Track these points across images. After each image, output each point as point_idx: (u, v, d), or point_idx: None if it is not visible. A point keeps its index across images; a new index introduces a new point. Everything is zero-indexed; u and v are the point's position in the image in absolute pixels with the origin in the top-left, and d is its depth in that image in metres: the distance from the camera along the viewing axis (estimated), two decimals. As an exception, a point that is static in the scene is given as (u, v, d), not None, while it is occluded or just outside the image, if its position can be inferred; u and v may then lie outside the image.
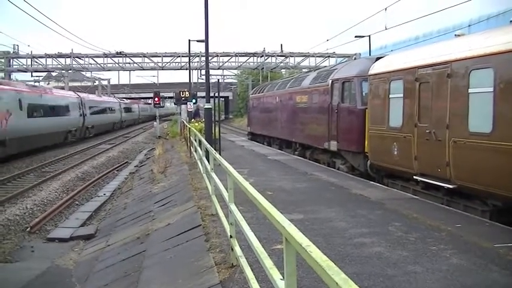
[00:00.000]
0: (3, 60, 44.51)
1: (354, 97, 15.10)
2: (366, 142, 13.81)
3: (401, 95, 11.72)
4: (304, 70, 41.94)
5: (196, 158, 15.15)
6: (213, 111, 18.42)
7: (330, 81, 16.82)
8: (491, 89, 8.42)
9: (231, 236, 5.77)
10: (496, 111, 8.31)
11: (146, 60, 47.23)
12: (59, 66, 47.65)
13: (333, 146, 16.17)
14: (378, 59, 14.41)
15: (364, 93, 14.61)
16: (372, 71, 13.52)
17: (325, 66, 36.97)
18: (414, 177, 11.11)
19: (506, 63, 8.15)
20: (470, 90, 9.09)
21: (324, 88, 17.43)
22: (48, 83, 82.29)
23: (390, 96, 12.33)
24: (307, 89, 19.59)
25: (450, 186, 9.68)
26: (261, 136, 29.31)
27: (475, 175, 8.93)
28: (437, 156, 10.01)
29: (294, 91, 21.64)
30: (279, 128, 24.21)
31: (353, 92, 15.22)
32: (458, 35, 11.05)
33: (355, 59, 42.04)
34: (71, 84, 63.39)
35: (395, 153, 11.88)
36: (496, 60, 8.35)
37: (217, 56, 46.68)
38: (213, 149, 9.27)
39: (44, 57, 45.78)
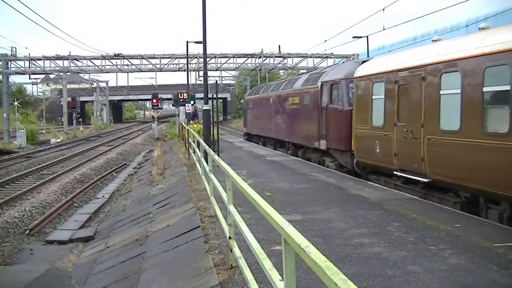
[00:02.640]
0: (0, 63, 44.42)
1: (341, 98, 15.92)
2: (352, 141, 14.56)
3: (383, 96, 12.52)
4: (302, 71, 41.89)
5: (195, 159, 15.14)
6: (211, 113, 18.41)
7: (320, 83, 17.57)
8: (459, 91, 9.27)
9: (230, 237, 5.77)
10: (462, 111, 9.17)
11: (144, 62, 47.12)
12: (56, 68, 47.50)
13: (323, 145, 16.93)
14: (363, 62, 15.22)
15: (350, 95, 15.34)
16: (356, 74, 14.36)
17: (323, 67, 37.03)
18: (394, 172, 11.94)
19: (471, 68, 9.01)
20: (441, 92, 9.97)
21: (314, 90, 18.17)
22: (48, 85, 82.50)
23: (373, 97, 13.14)
24: (299, 91, 20.41)
25: (426, 180, 10.54)
26: (257, 136, 30.12)
27: (447, 169, 9.80)
28: (414, 152, 10.87)
29: (287, 93, 22.41)
30: (273, 129, 25.06)
31: (340, 94, 16.03)
32: (435, 40, 11.70)
33: (352, 59, 42.10)
34: (69, 86, 63.45)
35: (378, 150, 12.69)
36: (462, 65, 9.24)
37: (215, 57, 46.59)
38: (211, 151, 9.28)
39: (41, 59, 45.66)
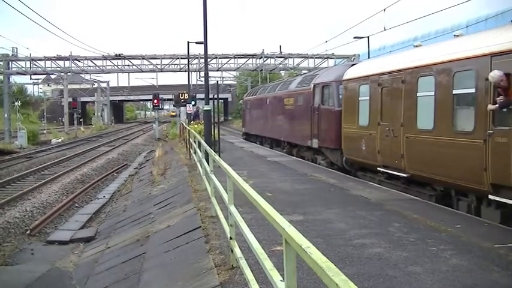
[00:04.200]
0: (2, 63, 44.43)
1: (332, 99, 16.81)
2: (342, 139, 15.39)
3: (368, 98, 13.42)
4: (303, 71, 41.89)
5: (196, 159, 15.15)
6: (212, 113, 18.42)
7: (312, 85, 18.54)
8: (433, 93, 10.21)
9: (230, 238, 5.77)
10: (436, 111, 10.09)
11: (145, 62, 47.10)
12: (57, 68, 47.49)
13: (315, 143, 17.86)
14: (352, 65, 16.29)
15: (340, 96, 16.12)
16: (345, 77, 15.28)
17: (324, 68, 37.06)
18: (378, 168, 12.83)
19: (443, 72, 9.95)
20: (418, 94, 10.92)
21: (307, 91, 19.12)
22: (49, 85, 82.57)
23: (359, 98, 14.06)
24: (294, 92, 21.40)
25: (405, 175, 11.45)
26: (254, 136, 31.04)
27: (423, 165, 10.75)
28: (394, 150, 11.85)
29: (282, 94, 23.38)
30: (270, 128, 26.09)
31: (331, 95, 16.94)
32: (417, 46, 12.49)
33: (353, 60, 42.10)
34: (70, 86, 63.48)
35: (364, 148, 13.66)
36: (435, 69, 10.19)
37: (216, 57, 46.54)
38: (212, 151, 9.28)
39: (42, 59, 45.66)
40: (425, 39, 30.93)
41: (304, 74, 25.65)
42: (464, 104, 9.44)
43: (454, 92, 9.53)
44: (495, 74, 7.98)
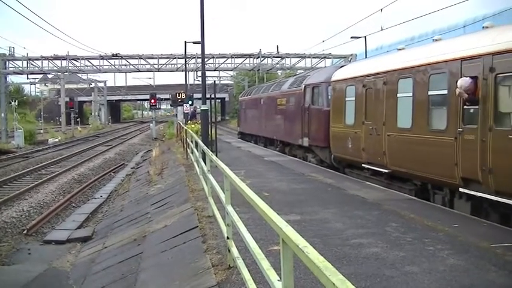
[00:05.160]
0: (-1, 63, 44.35)
1: (321, 100, 17.54)
2: (330, 138, 16.07)
3: (354, 98, 14.15)
4: (300, 71, 41.93)
5: (193, 159, 15.13)
6: (209, 113, 18.41)
7: (303, 86, 19.27)
8: (411, 94, 10.95)
9: (227, 238, 5.76)
10: (414, 111, 10.84)
11: (142, 62, 47.08)
12: (54, 68, 47.44)
13: (306, 142, 18.58)
14: (341, 67, 17.17)
15: (329, 97, 16.78)
16: (333, 78, 16.03)
17: (321, 67, 37.12)
18: (363, 165, 13.54)
19: (420, 75, 10.67)
20: (398, 95, 11.65)
21: (298, 92, 19.86)
22: (46, 85, 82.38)
23: (346, 99, 14.75)
24: (286, 93, 22.19)
25: (386, 171, 12.20)
26: (249, 135, 31.79)
27: (402, 161, 11.52)
28: (377, 147, 12.55)
29: (275, 94, 24.19)
30: (264, 128, 26.86)
31: (320, 96, 17.66)
32: (400, 49, 13.18)
33: (350, 60, 42.16)
34: (67, 86, 63.38)
35: (350, 146, 14.37)
36: (414, 72, 10.91)
37: (213, 57, 46.54)
38: (209, 151, 9.27)
39: (39, 59, 45.59)
40: (422, 39, 30.99)
41: (296, 75, 26.30)
42: (438, 104, 10.15)
43: (430, 93, 10.28)
44: (465, 82, 8.65)
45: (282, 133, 22.80)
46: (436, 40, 11.39)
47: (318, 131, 17.43)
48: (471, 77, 8.63)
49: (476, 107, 8.63)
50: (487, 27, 9.56)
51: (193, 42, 34.16)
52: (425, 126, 10.35)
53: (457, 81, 8.85)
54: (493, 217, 8.63)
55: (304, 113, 18.71)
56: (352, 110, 14.21)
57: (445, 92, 9.64)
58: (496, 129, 8.20)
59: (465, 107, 8.96)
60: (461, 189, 9.19)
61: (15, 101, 45.16)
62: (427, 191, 10.93)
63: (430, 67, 10.28)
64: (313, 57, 46.89)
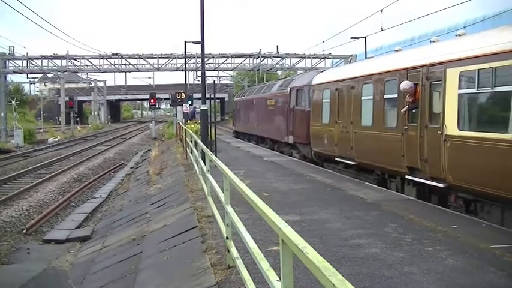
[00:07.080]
0: (-2, 62, 44.29)
1: (304, 101, 19.47)
2: (310, 135, 17.94)
3: (329, 100, 16.14)
4: (299, 71, 41.91)
5: (192, 159, 15.13)
6: (209, 113, 18.42)
7: (289, 88, 21.41)
8: (371, 97, 12.94)
9: (227, 238, 5.77)
10: (373, 111, 12.83)
11: (142, 61, 46.96)
12: (54, 67, 47.33)
13: (291, 139, 20.75)
14: (321, 72, 19.54)
15: (310, 99, 18.61)
16: (313, 82, 18.21)
17: (321, 68, 37.16)
18: (336, 159, 15.38)
19: (378, 81, 12.62)
20: (362, 98, 13.58)
21: (285, 94, 21.96)
22: (45, 85, 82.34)
23: (323, 100, 16.78)
24: (275, 95, 24.43)
25: (354, 163, 14.06)
26: (243, 134, 33.78)
27: (365, 154, 13.42)
28: (347, 143, 14.49)
29: (266, 96, 26.40)
30: (256, 126, 28.97)
31: (303, 97, 19.57)
32: (369, 58, 15.23)
33: (350, 60, 42.13)
34: (67, 85, 63.36)
35: (326, 142, 16.31)
36: (374, 78, 12.87)
37: (213, 57, 46.44)
38: (209, 151, 9.27)
39: (39, 58, 45.50)
40: (422, 40, 30.99)
41: (284, 78, 28.19)
42: (391, 106, 11.98)
43: (385, 96, 12.22)
44: (405, 84, 10.66)
45: (271, 131, 24.84)
46: (396, 51, 13.27)
47: (300, 129, 19.27)
48: (414, 83, 10.54)
49: (417, 107, 10.52)
50: (433, 41, 11.39)
51: (193, 42, 34.12)
52: (382, 124, 12.33)
53: (400, 83, 10.89)
54: (433, 200, 10.41)
55: (289, 113, 20.81)
56: (327, 111, 16.20)
57: (396, 95, 11.57)
58: (430, 127, 10.06)
59: (405, 107, 10.85)
60: (407, 177, 11.06)
61: (15, 100, 45.12)
62: (385, 180, 12.68)
63: (386, 75, 12.23)
64: (313, 58, 46.80)
